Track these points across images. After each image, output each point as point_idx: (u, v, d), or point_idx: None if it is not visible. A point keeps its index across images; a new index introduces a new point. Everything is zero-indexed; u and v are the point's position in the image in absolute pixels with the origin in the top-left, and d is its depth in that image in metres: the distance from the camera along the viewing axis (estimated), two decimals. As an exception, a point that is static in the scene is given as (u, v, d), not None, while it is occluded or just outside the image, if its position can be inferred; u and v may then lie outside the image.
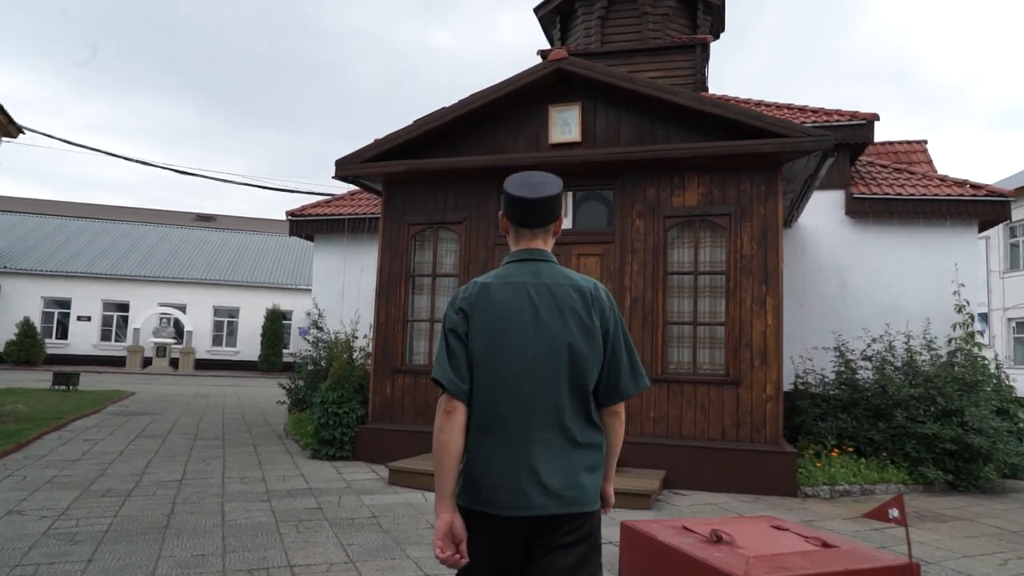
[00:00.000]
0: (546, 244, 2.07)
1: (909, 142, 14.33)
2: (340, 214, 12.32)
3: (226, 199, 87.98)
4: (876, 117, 10.15)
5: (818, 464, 7.31)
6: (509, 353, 1.91)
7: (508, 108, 8.39)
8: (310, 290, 13.05)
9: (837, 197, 10.69)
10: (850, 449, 7.74)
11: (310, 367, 10.95)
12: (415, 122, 8.33)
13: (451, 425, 1.89)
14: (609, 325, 1.98)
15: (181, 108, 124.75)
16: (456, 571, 1.94)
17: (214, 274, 30.97)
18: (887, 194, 10.30)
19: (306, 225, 12.64)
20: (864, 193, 10.42)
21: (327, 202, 12.95)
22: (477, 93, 8.17)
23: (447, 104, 8.38)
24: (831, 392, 8.58)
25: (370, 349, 8.86)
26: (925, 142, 14.31)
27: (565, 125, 8.17)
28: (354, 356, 8.93)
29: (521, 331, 1.92)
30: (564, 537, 1.88)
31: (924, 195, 10.16)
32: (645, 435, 7.56)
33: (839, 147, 9.64)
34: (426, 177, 8.54)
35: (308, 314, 13.02)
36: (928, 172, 11.08)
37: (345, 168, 8.53)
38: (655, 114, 7.95)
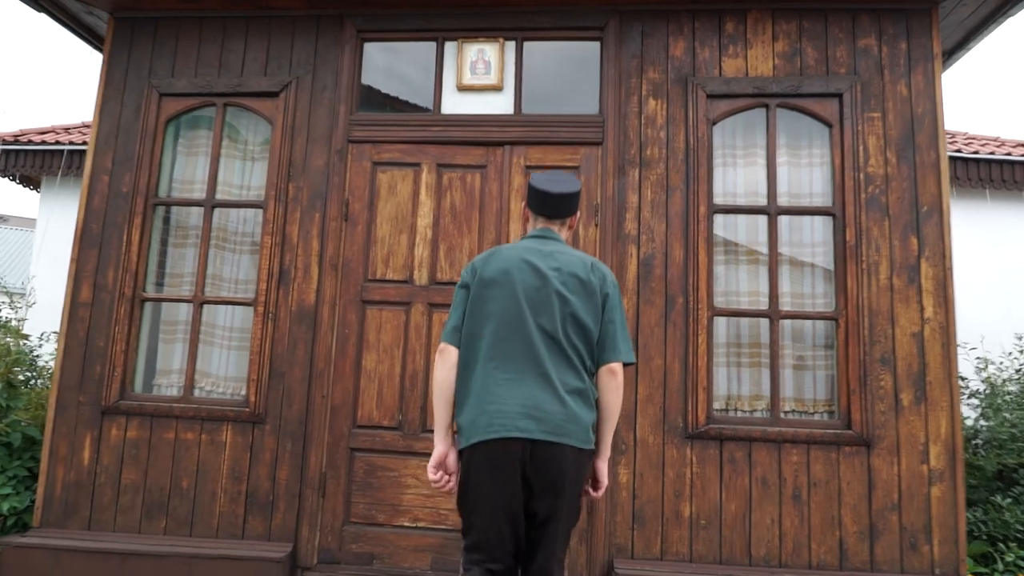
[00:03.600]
0: (559, 233, 2.32)
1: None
2: (86, 143, 7.31)
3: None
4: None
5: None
6: (513, 294, 2.10)
7: None
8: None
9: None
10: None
11: None
12: None
13: (443, 362, 2.13)
14: (608, 289, 2.17)
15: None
16: (467, 511, 2.05)
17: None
18: (977, 153, 6.94)
19: (26, 160, 7.46)
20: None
21: (67, 128, 7.84)
22: None
23: None
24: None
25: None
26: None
27: (503, -87, 4.02)
28: (17, 377, 4.09)
29: (521, 277, 2.13)
30: (557, 468, 1.99)
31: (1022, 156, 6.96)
32: (675, 556, 3.42)
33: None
34: (204, -4, 4.00)
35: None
36: (987, 134, 8.00)
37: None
38: (684, -100, 4.01)
